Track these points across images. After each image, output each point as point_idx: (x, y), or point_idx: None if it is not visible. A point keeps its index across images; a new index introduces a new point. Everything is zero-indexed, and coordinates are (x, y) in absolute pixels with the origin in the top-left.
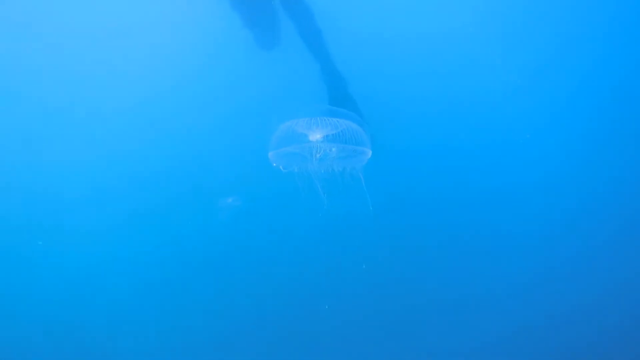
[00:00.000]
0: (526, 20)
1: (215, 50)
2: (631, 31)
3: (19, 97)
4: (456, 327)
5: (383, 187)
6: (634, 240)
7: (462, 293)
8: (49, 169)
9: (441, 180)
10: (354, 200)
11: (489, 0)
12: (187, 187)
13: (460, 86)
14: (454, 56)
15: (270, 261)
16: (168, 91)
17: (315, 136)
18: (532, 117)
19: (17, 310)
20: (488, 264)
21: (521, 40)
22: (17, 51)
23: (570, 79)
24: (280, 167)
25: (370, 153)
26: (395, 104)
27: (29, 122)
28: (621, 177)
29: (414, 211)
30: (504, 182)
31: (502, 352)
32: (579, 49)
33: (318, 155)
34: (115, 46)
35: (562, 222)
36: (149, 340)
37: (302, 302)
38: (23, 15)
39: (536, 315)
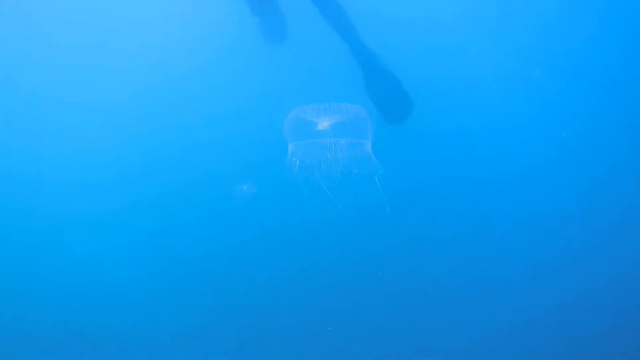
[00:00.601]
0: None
1: (231, 37)
2: None
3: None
4: (478, 324)
5: (398, 181)
6: None
7: (483, 294)
8: (63, 160)
9: (464, 174)
10: (369, 198)
11: None
12: (202, 175)
13: (486, 77)
14: (484, 43)
15: (280, 255)
16: (178, 82)
17: (324, 124)
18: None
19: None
20: (510, 264)
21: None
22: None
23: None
24: (297, 162)
25: (370, 145)
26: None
27: (39, 117)
28: None
29: (432, 208)
30: (530, 181)
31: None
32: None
33: (329, 155)
34: (129, 37)
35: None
36: (156, 335)
37: (310, 300)
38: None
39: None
